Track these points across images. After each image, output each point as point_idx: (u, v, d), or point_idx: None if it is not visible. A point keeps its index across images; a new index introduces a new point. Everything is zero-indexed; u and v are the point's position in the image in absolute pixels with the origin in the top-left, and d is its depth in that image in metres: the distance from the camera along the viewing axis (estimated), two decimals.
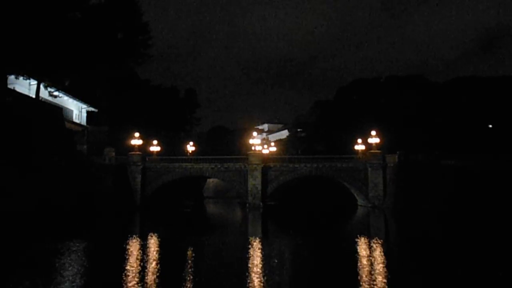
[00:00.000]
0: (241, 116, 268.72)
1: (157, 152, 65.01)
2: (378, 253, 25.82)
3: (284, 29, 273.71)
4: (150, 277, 19.12)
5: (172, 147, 76.41)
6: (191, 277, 19.60)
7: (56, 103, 56.44)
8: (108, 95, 65.92)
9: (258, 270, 20.80)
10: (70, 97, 61.50)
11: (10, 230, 32.67)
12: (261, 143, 73.98)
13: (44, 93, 54.46)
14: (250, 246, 27.72)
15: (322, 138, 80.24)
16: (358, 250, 26.85)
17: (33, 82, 52.13)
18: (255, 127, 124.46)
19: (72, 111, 63.63)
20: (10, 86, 48.64)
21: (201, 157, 63.77)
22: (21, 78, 50.20)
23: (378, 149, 58.18)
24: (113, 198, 52.00)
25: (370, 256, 24.92)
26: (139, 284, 17.85)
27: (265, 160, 59.65)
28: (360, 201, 60.80)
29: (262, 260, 23.47)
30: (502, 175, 47.37)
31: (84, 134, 61.74)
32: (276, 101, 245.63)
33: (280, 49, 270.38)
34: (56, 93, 57.38)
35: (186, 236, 34.10)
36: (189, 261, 24.03)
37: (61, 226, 37.23)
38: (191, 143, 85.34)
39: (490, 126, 65.67)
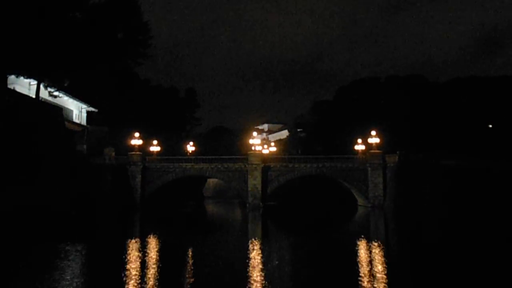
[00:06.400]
0: (241, 116, 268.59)
1: (157, 152, 64.97)
2: (378, 254, 25.80)
3: (286, 29, 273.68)
4: (150, 278, 19.10)
5: (172, 147, 76.37)
6: (191, 278, 19.59)
7: (56, 103, 56.41)
8: (108, 95, 65.86)
9: (258, 271, 20.79)
10: (70, 97, 61.46)
11: (9, 231, 32.62)
12: (261, 143, 73.94)
13: (44, 93, 54.43)
14: (250, 247, 27.69)
15: (322, 138, 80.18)
16: (358, 251, 26.82)
17: (33, 82, 52.09)
18: (255, 127, 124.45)
19: (72, 111, 63.60)
20: (10, 86, 48.60)
21: (201, 157, 63.71)
22: (21, 78, 50.16)
23: (378, 149, 58.15)
24: (113, 198, 52.00)
25: (370, 257, 24.90)
26: (139, 285, 17.83)
27: (265, 160, 59.63)
28: (360, 201, 60.78)
29: (262, 261, 23.45)
30: (502, 175, 47.34)
31: (84, 134, 61.71)
32: (276, 101, 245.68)
33: (281, 49, 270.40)
34: (56, 93, 57.36)
35: (186, 237, 34.09)
36: (189, 262, 24.01)
37: (61, 226, 37.21)
38: (191, 143, 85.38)
39: (490, 126, 65.60)
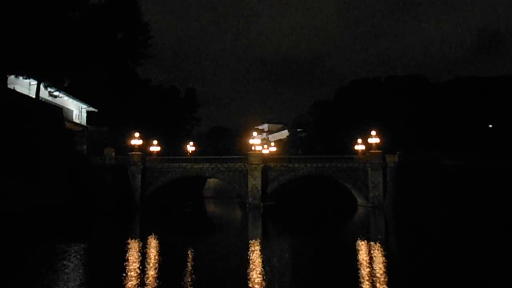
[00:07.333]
0: (241, 116, 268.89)
1: (157, 152, 64.97)
2: (378, 254, 25.78)
3: (286, 29, 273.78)
4: (150, 278, 19.10)
5: (172, 147, 76.42)
6: (191, 278, 19.59)
7: (56, 103, 56.44)
8: (108, 95, 65.90)
9: (258, 271, 20.79)
10: (70, 97, 61.48)
11: (9, 231, 32.62)
12: (261, 143, 73.93)
13: (44, 93, 54.45)
14: (250, 247, 27.68)
15: (322, 138, 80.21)
16: (358, 251, 26.82)
17: (33, 82, 52.11)
18: (255, 127, 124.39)
19: (72, 111, 63.62)
20: (10, 86, 48.61)
21: (201, 157, 63.74)
22: (21, 78, 50.18)
23: (378, 149, 58.14)
24: (113, 198, 52.01)
25: (369, 257, 24.89)
26: (139, 285, 17.83)
27: (265, 160, 59.60)
28: (360, 201, 60.77)
29: (261, 261, 23.45)
30: (502, 175, 47.34)
31: (84, 134, 61.71)
32: (276, 101, 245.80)
33: (282, 49, 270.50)
34: (56, 93, 57.40)
35: (186, 237, 34.05)
36: (189, 262, 24.01)
37: (61, 226, 37.21)
38: (191, 143, 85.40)
39: (490, 126, 65.62)
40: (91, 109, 67.72)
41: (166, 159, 60.73)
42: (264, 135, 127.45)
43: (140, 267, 21.15)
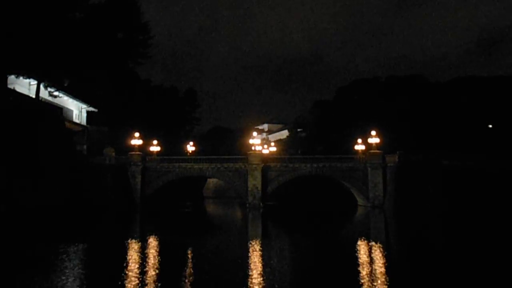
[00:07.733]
0: (241, 116, 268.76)
1: (157, 152, 64.97)
2: (378, 254, 25.79)
3: (286, 29, 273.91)
4: (150, 278, 19.10)
5: (172, 147, 76.40)
6: (191, 278, 19.59)
7: (56, 103, 56.47)
8: (108, 95, 65.89)
9: (258, 271, 20.79)
10: (70, 97, 61.49)
11: (8, 231, 32.62)
12: (261, 143, 73.95)
13: (44, 93, 54.47)
14: (250, 247, 27.68)
15: (322, 138, 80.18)
16: (358, 252, 26.80)
17: (33, 82, 52.13)
18: (255, 127, 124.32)
19: (72, 111, 63.63)
20: (10, 86, 48.63)
21: (201, 157, 63.74)
22: (21, 78, 50.18)
23: (378, 149, 58.14)
24: (113, 198, 52.04)
25: (370, 257, 24.89)
26: (139, 285, 17.82)
27: (265, 160, 59.61)
28: (360, 201, 60.77)
29: (262, 261, 23.44)
30: (502, 175, 47.37)
31: (84, 134, 61.75)
32: (276, 101, 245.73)
33: (282, 49, 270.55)
34: (56, 93, 57.41)
35: (186, 237, 34.06)
36: (189, 262, 24.01)
37: (61, 226, 37.21)
38: (191, 143, 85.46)
39: (490, 126, 65.64)
40: (91, 109, 67.71)
41: (166, 159, 60.69)
42: (264, 135, 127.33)
43: (140, 267, 21.14)
